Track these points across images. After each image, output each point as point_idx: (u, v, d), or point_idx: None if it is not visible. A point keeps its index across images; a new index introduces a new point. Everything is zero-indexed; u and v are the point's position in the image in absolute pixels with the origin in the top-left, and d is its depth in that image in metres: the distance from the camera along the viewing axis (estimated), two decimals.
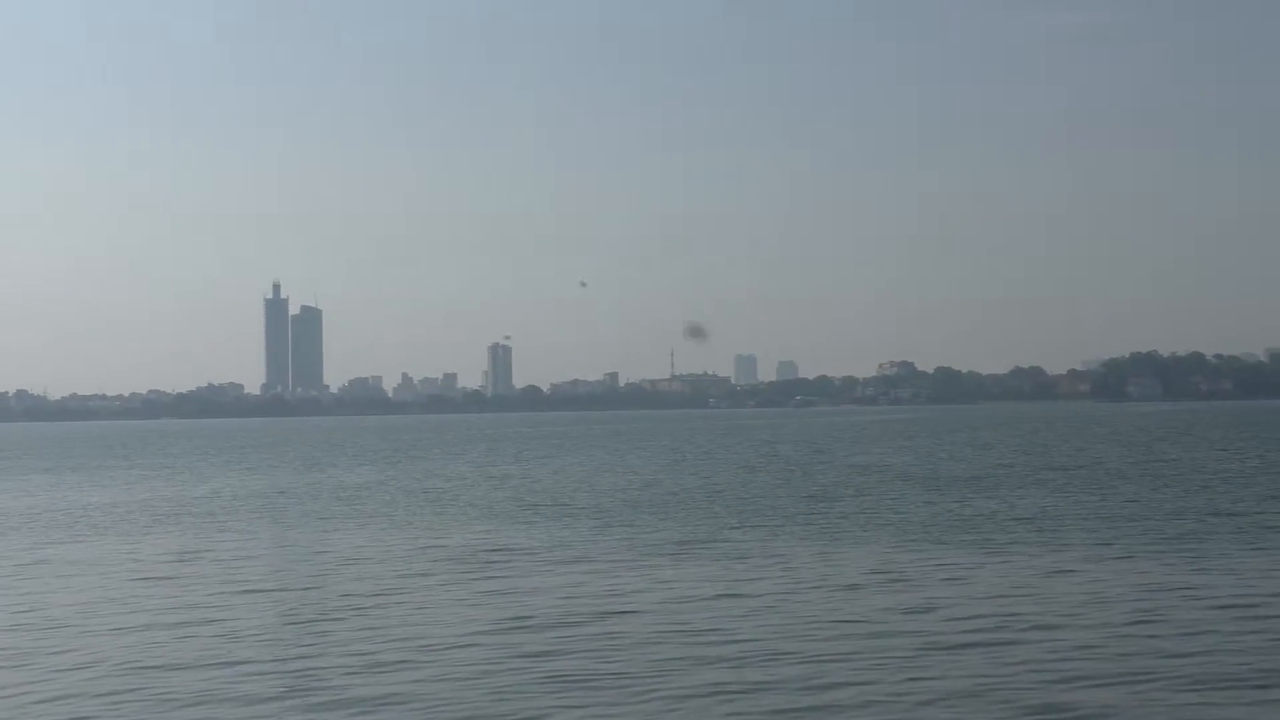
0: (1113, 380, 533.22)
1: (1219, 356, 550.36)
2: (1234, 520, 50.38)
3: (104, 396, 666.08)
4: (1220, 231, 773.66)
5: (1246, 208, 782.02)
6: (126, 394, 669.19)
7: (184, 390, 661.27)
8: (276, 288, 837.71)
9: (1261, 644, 26.48)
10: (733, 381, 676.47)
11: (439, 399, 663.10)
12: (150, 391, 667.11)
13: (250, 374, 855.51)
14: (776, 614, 31.00)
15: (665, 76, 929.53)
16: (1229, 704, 21.95)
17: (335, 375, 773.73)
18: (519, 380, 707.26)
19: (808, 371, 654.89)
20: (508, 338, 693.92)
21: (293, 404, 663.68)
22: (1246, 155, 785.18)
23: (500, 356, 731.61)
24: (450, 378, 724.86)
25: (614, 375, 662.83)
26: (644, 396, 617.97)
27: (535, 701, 22.84)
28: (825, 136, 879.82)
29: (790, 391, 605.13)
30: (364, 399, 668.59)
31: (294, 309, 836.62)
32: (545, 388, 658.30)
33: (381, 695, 23.52)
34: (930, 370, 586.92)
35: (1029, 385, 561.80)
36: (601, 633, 28.91)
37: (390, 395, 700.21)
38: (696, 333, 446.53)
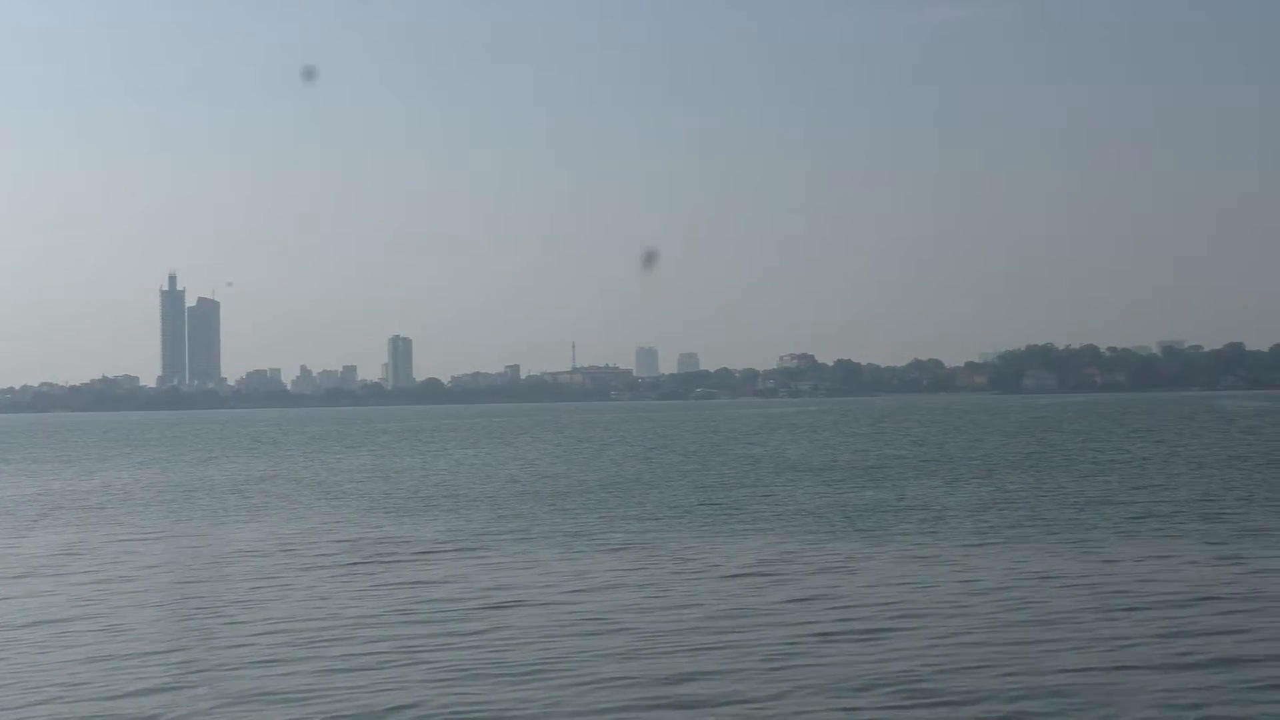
0: (1009, 372, 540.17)
1: (1113, 349, 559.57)
2: (1113, 509, 51.49)
3: None
4: (1114, 227, 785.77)
5: (1139, 203, 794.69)
6: (17, 387, 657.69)
7: (77, 383, 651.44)
8: (173, 279, 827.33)
9: (1126, 630, 27.20)
10: (634, 374, 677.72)
11: (338, 391, 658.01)
12: (42, 384, 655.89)
13: (146, 367, 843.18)
14: (661, 603, 31.37)
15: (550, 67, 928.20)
16: (1090, 686, 22.56)
17: (233, 368, 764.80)
18: (419, 373, 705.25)
19: (709, 364, 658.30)
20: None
21: (190, 397, 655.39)
22: (1133, 149, 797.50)
23: (400, 348, 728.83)
24: (350, 370, 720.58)
25: (515, 368, 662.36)
26: (546, 389, 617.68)
27: (418, 693, 23.00)
28: (703, 124, 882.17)
29: (692, 384, 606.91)
30: (262, 391, 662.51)
31: (190, 301, 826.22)
32: (446, 380, 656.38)
33: (264, 690, 23.51)
34: (830, 363, 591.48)
35: (928, 378, 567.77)
36: (488, 626, 29.05)
37: (289, 388, 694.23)
38: (650, 259, 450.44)
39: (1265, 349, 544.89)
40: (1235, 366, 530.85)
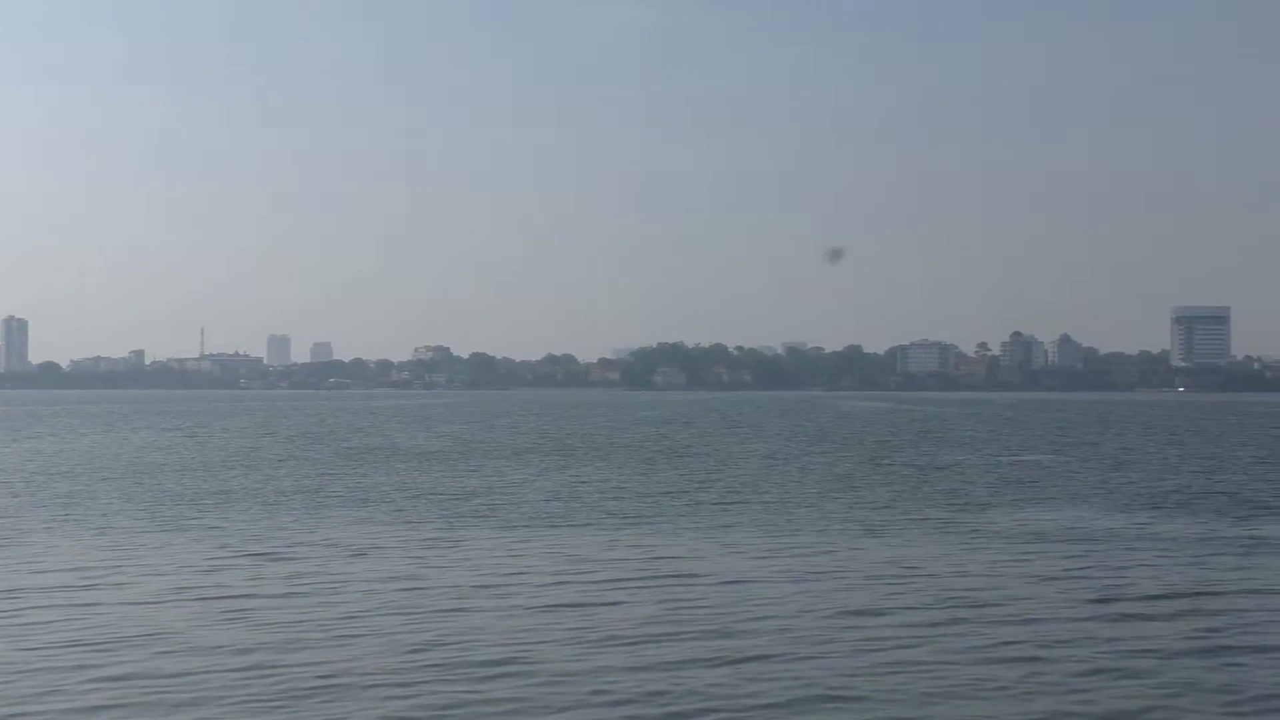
0: (641, 369, 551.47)
1: (740, 349, 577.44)
2: (682, 498, 52.45)
3: None
4: (742, 229, 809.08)
5: (755, 208, 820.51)
6: None
7: None
8: None
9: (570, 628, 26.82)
10: (266, 362, 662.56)
11: None
12: None
13: None
14: (191, 594, 29.64)
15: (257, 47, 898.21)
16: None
17: None
18: (35, 356, 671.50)
19: (343, 354, 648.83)
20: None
21: None
22: (754, 153, 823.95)
23: (14, 330, 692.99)
24: None
25: (140, 353, 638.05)
26: (172, 376, 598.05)
27: None
28: (382, 120, 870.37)
29: (324, 373, 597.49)
30: None
31: None
32: (65, 364, 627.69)
33: None
34: (466, 355, 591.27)
35: (561, 372, 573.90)
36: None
37: None
38: (836, 255, 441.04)
39: (881, 352, 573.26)
40: (853, 367, 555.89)
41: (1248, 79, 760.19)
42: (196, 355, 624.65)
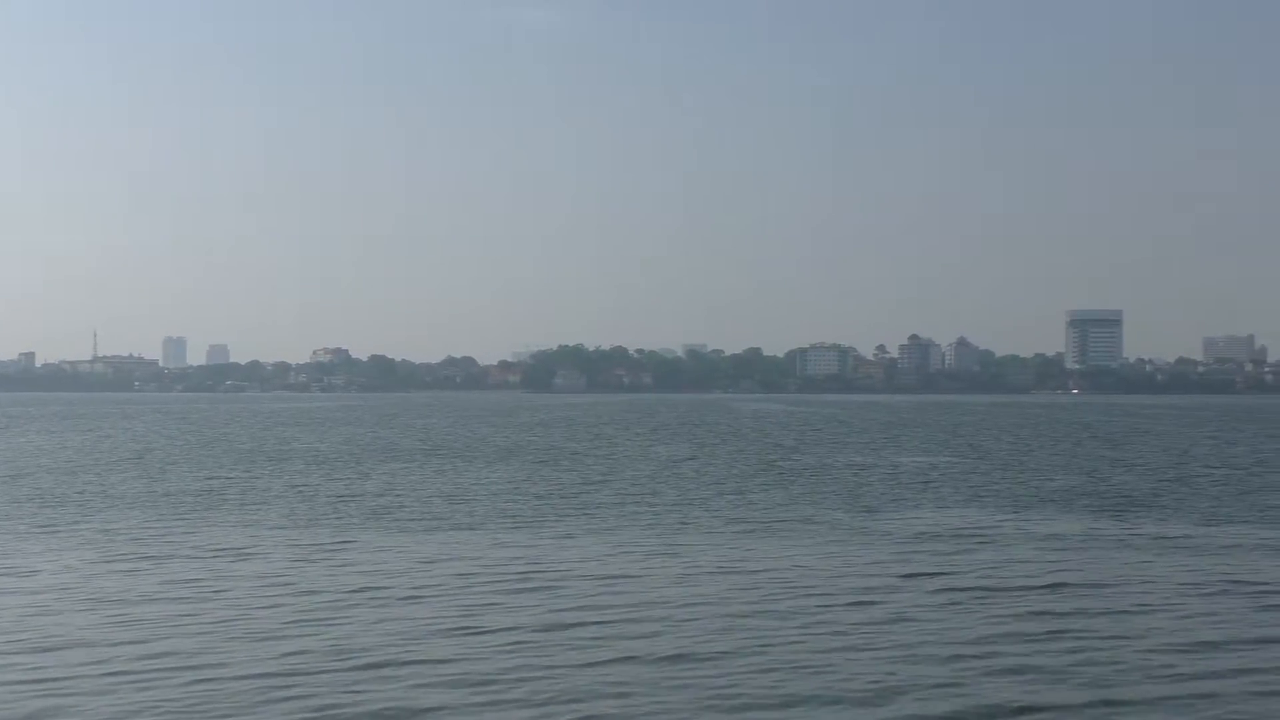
0: (541, 371, 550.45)
1: (641, 351, 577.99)
2: (574, 500, 52.54)
3: None
4: (644, 234, 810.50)
5: (667, 215, 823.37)
6: None
7: None
8: None
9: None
10: (161, 364, 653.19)
11: None
12: None
13: None
14: (70, 597, 29.28)
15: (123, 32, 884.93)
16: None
17: None
18: None
19: (240, 356, 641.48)
20: None
21: None
22: (660, 163, 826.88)
23: None
24: None
25: (30, 355, 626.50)
26: (64, 378, 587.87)
27: None
28: (278, 119, 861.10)
29: (221, 376, 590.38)
30: None
31: None
32: None
33: None
34: (365, 358, 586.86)
35: (461, 375, 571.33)
36: None
37: None
38: None
39: (780, 355, 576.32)
40: (753, 370, 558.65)
41: (1139, 86, 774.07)
42: (89, 358, 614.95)
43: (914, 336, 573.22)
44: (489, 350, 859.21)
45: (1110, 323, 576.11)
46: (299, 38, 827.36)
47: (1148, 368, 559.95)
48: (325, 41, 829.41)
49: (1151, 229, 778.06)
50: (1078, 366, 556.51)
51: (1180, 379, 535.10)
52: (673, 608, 27.70)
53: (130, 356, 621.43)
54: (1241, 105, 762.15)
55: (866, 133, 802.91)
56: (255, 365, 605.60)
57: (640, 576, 32.16)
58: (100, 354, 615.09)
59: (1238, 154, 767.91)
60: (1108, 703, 20.26)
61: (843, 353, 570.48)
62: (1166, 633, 25.25)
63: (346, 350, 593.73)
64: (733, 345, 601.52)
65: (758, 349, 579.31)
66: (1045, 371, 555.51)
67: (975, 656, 23.05)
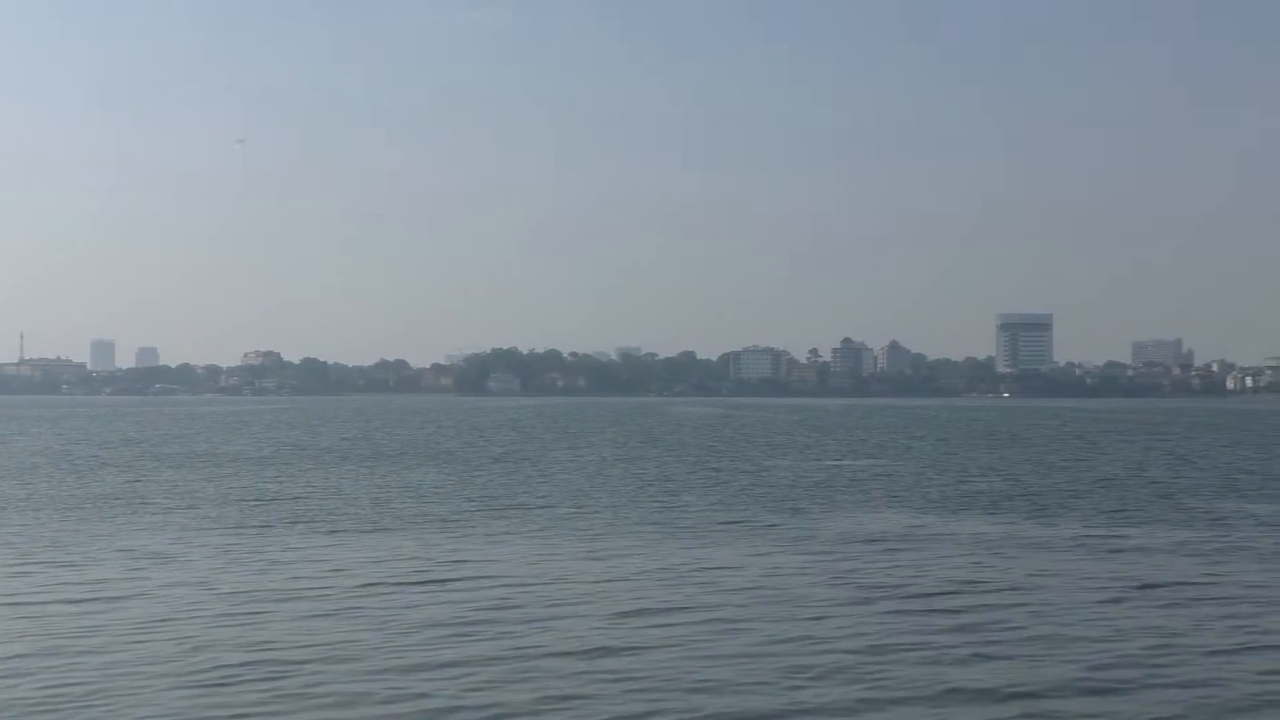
0: (475, 374, 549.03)
1: (575, 354, 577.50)
2: (503, 502, 52.57)
3: None
4: (578, 237, 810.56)
5: (595, 215, 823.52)
6: None
7: None
8: None
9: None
10: (89, 368, 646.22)
11: None
12: None
13: None
14: None
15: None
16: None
17: None
18: None
19: (170, 359, 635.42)
20: None
21: None
22: (592, 164, 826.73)
23: None
24: None
25: None
26: None
27: None
28: (216, 121, 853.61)
29: (150, 379, 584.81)
30: None
31: None
32: None
33: None
34: (297, 361, 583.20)
35: (394, 378, 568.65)
36: None
37: None
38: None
39: (714, 358, 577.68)
40: (687, 373, 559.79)
41: (1072, 91, 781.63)
42: (15, 360, 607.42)
43: (847, 340, 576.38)
44: (422, 353, 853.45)
45: (1040, 326, 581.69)
46: (251, 35, 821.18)
47: (1077, 371, 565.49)
48: (279, 42, 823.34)
49: (1081, 232, 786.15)
50: (1008, 370, 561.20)
51: (1109, 382, 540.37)
52: (571, 606, 27.90)
53: (58, 359, 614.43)
54: (1167, 104, 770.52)
55: (799, 136, 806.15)
56: (186, 368, 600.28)
57: (558, 579, 32.21)
58: (27, 356, 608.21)
59: (1166, 156, 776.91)
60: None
61: (776, 356, 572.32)
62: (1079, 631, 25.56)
63: (278, 353, 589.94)
64: (666, 348, 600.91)
65: (691, 352, 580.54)
66: (976, 375, 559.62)
67: (870, 651, 23.42)
